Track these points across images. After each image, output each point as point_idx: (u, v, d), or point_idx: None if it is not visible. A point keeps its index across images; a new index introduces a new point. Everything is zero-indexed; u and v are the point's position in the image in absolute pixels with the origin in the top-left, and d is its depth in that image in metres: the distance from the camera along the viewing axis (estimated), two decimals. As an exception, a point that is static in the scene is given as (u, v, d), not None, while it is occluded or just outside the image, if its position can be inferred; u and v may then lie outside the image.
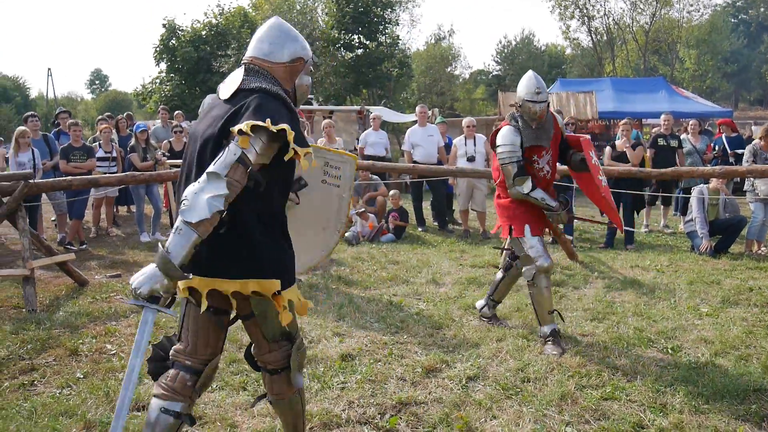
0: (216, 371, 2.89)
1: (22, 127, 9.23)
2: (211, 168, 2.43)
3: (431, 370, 4.39)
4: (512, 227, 5.02)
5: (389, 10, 32.94)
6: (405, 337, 5.08)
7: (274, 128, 2.49)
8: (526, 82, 4.95)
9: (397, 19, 34.55)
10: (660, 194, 10.34)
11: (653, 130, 13.20)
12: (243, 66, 2.82)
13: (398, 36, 34.81)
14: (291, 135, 2.54)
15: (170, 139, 10.81)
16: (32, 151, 8.95)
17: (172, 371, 2.70)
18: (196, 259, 2.49)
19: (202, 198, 2.37)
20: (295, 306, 2.79)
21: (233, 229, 2.57)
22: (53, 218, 10.28)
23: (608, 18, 39.45)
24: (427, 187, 10.95)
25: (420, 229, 10.40)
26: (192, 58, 31.90)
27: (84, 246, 9.10)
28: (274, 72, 2.79)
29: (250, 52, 2.83)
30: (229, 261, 2.60)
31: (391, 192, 10.33)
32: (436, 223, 10.82)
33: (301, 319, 5.46)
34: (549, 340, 4.85)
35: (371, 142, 11.41)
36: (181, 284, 2.57)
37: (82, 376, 4.34)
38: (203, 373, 2.73)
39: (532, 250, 4.93)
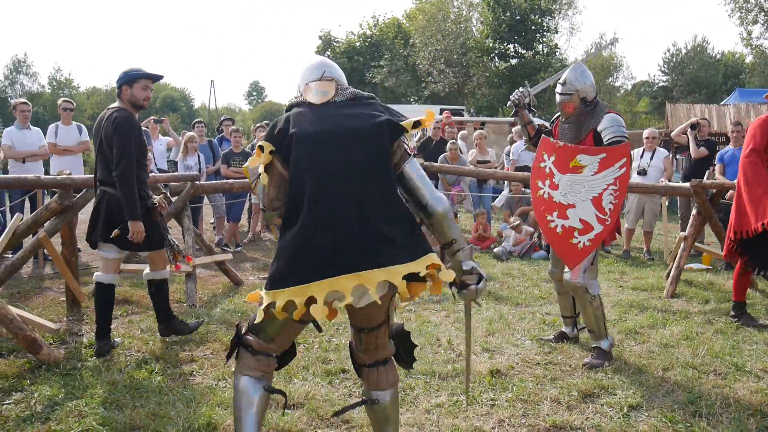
0: None
1: (190, 133, 9.75)
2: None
3: (588, 395, 4.06)
4: None
5: (548, 17, 32.06)
6: (559, 357, 4.77)
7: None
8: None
9: (556, 27, 33.62)
10: None
11: None
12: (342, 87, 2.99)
13: (556, 45, 33.84)
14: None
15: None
16: (198, 155, 9.44)
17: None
18: (364, 251, 2.58)
19: None
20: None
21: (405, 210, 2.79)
22: (211, 221, 10.77)
23: (798, 21, 35.44)
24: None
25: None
26: (345, 69, 32.65)
27: (239, 248, 9.47)
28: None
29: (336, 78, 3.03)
30: (407, 244, 2.68)
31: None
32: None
33: (449, 332, 5.29)
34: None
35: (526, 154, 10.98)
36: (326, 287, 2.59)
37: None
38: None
39: None
